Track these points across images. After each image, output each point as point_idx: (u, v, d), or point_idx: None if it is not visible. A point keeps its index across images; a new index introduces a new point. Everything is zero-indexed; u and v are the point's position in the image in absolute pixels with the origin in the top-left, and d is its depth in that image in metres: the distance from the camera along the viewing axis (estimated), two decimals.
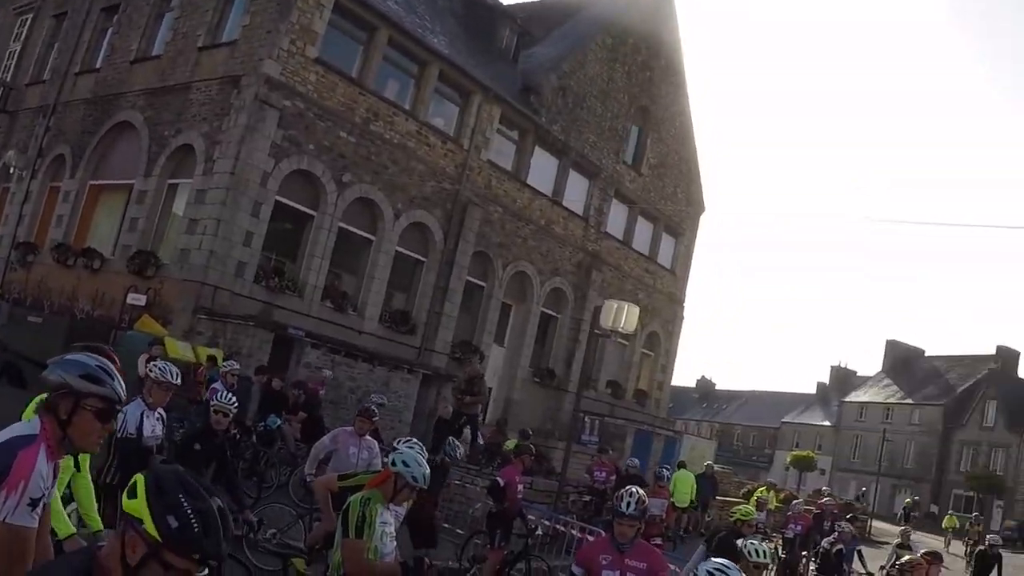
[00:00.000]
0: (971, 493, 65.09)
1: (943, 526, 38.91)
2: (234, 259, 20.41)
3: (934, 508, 54.54)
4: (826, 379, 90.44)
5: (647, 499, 6.64)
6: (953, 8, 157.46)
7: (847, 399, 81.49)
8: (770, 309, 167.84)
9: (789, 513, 20.38)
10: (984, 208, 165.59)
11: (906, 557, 10.69)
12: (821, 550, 16.05)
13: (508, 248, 27.92)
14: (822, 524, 19.90)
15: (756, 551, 7.04)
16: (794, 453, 76.66)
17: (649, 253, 34.43)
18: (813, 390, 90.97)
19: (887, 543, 26.31)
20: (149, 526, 2.48)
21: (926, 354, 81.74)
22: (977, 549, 19.82)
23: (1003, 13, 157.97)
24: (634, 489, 6.46)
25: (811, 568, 17.69)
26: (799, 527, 19.02)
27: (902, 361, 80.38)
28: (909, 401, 74.79)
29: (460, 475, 17.19)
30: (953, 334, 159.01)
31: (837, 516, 21.49)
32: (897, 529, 35.02)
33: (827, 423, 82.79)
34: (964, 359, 76.35)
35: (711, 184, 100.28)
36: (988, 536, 19.80)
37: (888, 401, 76.67)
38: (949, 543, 35.35)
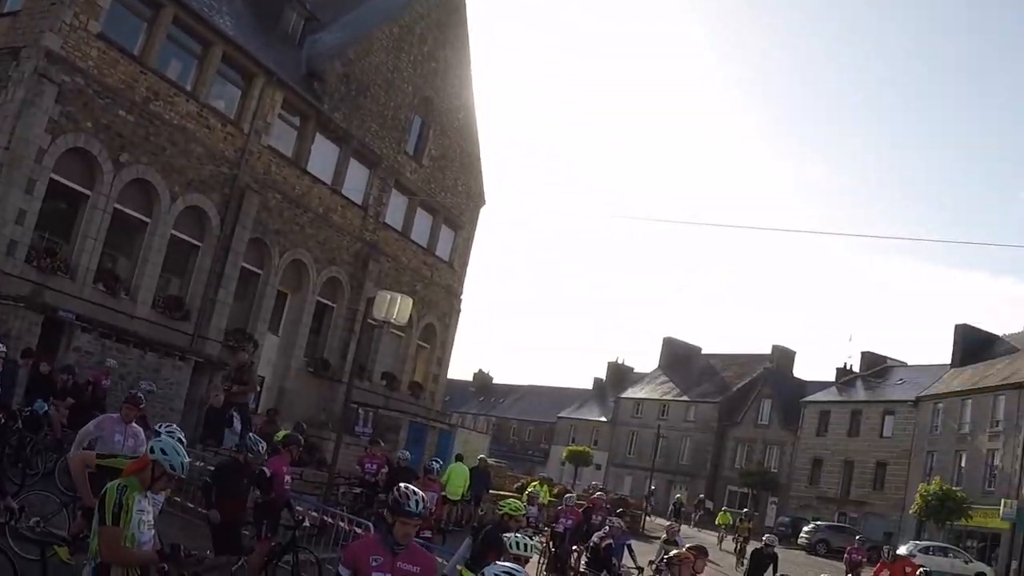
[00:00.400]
0: (745, 489, 69.43)
1: (716, 522, 40.97)
2: (5, 237, 20.85)
3: (709, 504, 58.81)
4: (603, 375, 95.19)
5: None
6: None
7: (624, 395, 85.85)
8: (549, 304, 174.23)
9: (560, 507, 21.63)
10: (766, 213, 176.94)
11: (673, 552, 11.96)
12: (591, 544, 17.19)
13: (285, 235, 29.22)
14: (591, 518, 21.06)
15: (519, 544, 7.81)
16: (570, 448, 79.70)
17: (428, 245, 36.47)
18: (590, 386, 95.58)
19: (659, 538, 28.88)
20: None
21: (702, 352, 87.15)
22: (753, 548, 20.19)
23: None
24: (414, 489, 6.47)
25: (582, 562, 18.75)
26: (570, 521, 20.24)
27: (679, 359, 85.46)
28: (685, 398, 79.52)
29: None
30: (729, 333, 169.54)
31: (608, 511, 22.58)
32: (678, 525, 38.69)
33: (603, 419, 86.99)
34: (740, 358, 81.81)
35: (494, 178, 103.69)
36: (765, 536, 19.56)
37: (664, 398, 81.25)
38: (723, 539, 37.71)
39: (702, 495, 49.47)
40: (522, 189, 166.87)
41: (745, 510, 40.05)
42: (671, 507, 43.81)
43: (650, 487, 56.59)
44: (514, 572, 5.28)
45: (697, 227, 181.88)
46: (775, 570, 19.25)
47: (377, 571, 6.22)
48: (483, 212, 39.80)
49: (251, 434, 13.19)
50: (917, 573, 18.06)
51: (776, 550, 19.56)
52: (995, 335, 62.85)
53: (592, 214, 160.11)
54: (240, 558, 11.34)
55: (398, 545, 6.33)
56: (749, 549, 24.27)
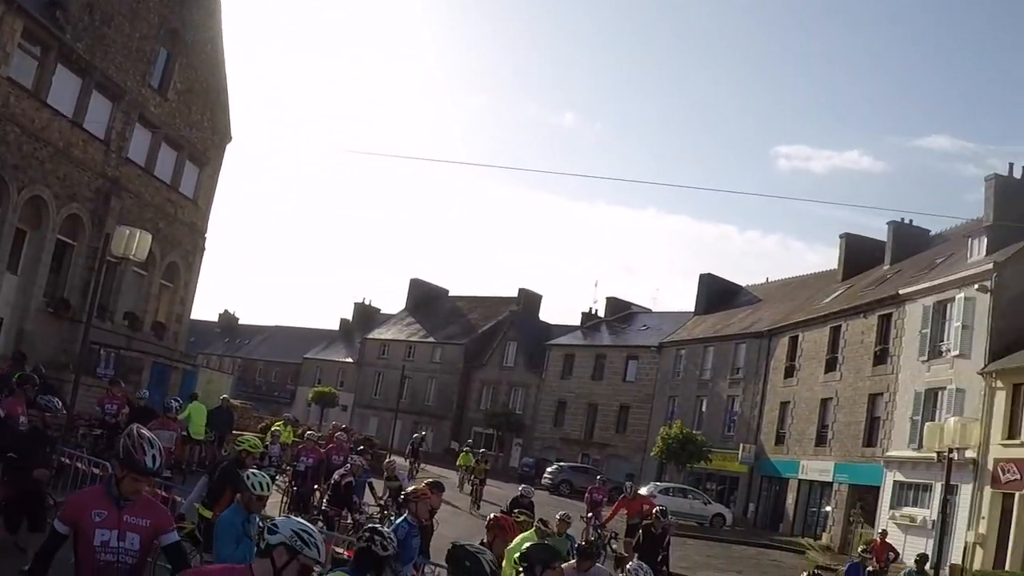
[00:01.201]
0: (491, 431, 73.08)
1: (457, 463, 41.93)
2: None
3: (455, 445, 60.93)
4: (350, 316, 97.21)
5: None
6: None
7: (370, 336, 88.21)
8: (296, 244, 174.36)
9: (301, 446, 23.01)
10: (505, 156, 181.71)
11: (411, 487, 12.98)
12: (332, 482, 18.36)
13: (24, 171, 29.34)
14: (332, 457, 22.22)
15: (258, 484, 8.29)
16: (316, 389, 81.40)
17: (171, 182, 37.30)
18: (336, 326, 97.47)
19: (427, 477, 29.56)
20: None
21: (449, 294, 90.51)
22: (644, 522, 19.41)
23: None
24: (151, 438, 6.19)
25: (323, 501, 19.62)
26: (311, 460, 21.48)
27: (425, 300, 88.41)
28: (431, 340, 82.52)
29: None
30: (477, 276, 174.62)
31: (350, 450, 23.93)
32: (407, 463, 41.04)
33: (350, 360, 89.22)
34: (486, 300, 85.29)
35: (242, 113, 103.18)
36: (521, 487, 20.96)
37: (410, 339, 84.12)
38: (464, 481, 39.12)
39: (422, 432, 50.60)
40: (271, 125, 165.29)
41: (483, 450, 41.78)
42: (409, 447, 45.23)
43: (421, 432, 58.23)
44: (311, 531, 5.28)
45: (447, 167, 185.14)
46: (668, 548, 19.02)
47: (101, 527, 5.98)
48: (229, 148, 40.95)
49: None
50: (654, 511, 19.13)
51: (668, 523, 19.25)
52: (738, 285, 68.08)
53: (326, 150, 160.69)
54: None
55: (123, 500, 6.09)
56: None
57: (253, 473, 8.84)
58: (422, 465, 43.72)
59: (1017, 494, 32.81)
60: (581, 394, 69.11)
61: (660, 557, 17.90)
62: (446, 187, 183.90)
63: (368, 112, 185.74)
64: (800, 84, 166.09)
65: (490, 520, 10.83)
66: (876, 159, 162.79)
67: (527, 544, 8.05)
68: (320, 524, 16.80)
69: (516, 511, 15.43)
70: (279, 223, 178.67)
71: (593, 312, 76.72)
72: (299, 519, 5.50)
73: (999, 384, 34.78)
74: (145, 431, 6.23)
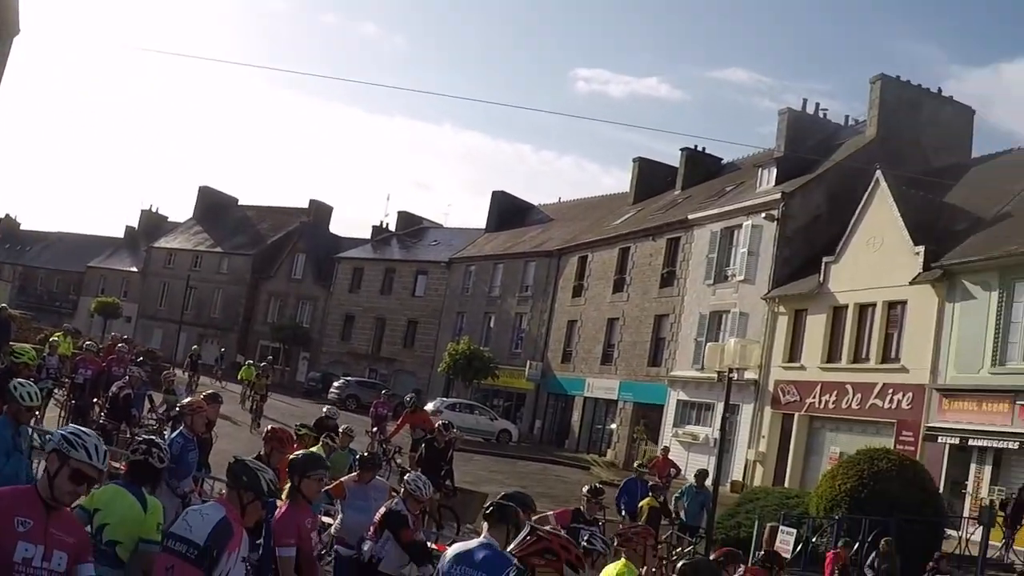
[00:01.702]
0: (277, 344, 69.98)
1: (239, 376, 39.92)
2: None
3: (241, 358, 58.74)
4: (135, 223, 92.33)
5: None
6: None
7: (156, 245, 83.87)
8: (82, 146, 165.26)
9: (79, 357, 21.82)
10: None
11: (186, 399, 12.74)
12: (110, 394, 17.56)
13: None
14: (112, 369, 21.16)
15: (26, 394, 7.84)
16: (99, 299, 77.17)
17: None
18: (121, 234, 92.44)
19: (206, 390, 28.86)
20: None
21: (239, 203, 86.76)
22: (427, 437, 18.90)
23: None
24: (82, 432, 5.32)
25: (102, 414, 18.59)
26: (89, 372, 20.45)
27: (214, 209, 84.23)
28: (219, 250, 79.00)
29: None
30: (267, 185, 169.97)
31: (130, 361, 22.70)
32: (186, 376, 38.93)
33: (134, 269, 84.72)
34: (277, 210, 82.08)
35: (33, 6, 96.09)
36: (325, 409, 19.74)
37: (197, 249, 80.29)
38: (245, 396, 36.92)
39: (195, 346, 48.13)
40: (63, 19, 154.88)
41: (263, 364, 39.71)
42: (188, 359, 42.81)
43: (222, 350, 55.70)
44: (83, 435, 5.01)
45: (242, 72, 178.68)
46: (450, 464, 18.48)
47: (25, 540, 4.73)
48: (16, 42, 37.40)
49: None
50: (437, 425, 19.01)
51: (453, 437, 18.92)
52: (531, 204, 67.59)
53: (115, 47, 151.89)
54: None
55: (55, 501, 4.92)
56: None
57: (20, 383, 8.13)
58: (201, 378, 41.61)
59: (796, 415, 33.70)
60: (369, 308, 67.37)
61: (443, 471, 17.55)
62: (240, 93, 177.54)
63: (162, 11, 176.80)
64: (600, 7, 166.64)
65: (267, 432, 10.75)
66: (674, 87, 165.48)
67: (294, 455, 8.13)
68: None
69: (299, 427, 14.47)
70: (64, 124, 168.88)
71: (384, 226, 74.89)
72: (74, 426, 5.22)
73: (781, 309, 35.41)
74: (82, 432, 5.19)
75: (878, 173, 32.19)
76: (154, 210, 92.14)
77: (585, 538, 7.40)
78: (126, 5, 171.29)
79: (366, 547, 9.73)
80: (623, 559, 8.12)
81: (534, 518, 9.08)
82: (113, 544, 6.13)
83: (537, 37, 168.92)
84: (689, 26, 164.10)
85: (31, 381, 9.17)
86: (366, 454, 12.43)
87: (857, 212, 32.69)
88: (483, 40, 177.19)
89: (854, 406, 31.34)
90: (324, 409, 20.26)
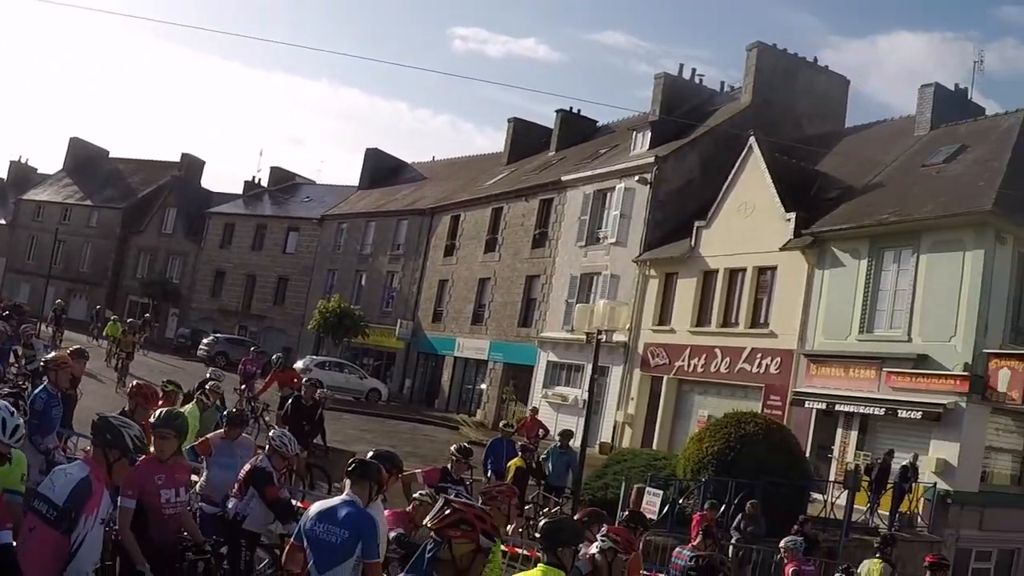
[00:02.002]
0: (147, 300, 67.53)
1: (104, 333, 38.50)
2: None
3: (110, 314, 56.41)
4: (3, 174, 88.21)
5: None
6: None
7: (24, 197, 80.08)
8: None
9: None
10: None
11: (51, 355, 11.91)
12: None
13: None
14: None
15: None
16: None
17: None
18: None
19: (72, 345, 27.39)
20: None
21: (110, 155, 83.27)
22: (294, 395, 18.78)
23: None
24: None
25: None
26: None
27: (84, 161, 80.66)
28: (88, 203, 75.68)
29: None
30: (140, 138, 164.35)
31: None
32: (51, 331, 36.64)
33: (2, 221, 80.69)
34: (148, 163, 78.89)
35: None
36: (208, 375, 17.84)
37: (67, 201, 76.81)
38: (111, 354, 34.24)
39: (99, 306, 45.98)
40: None
41: (141, 320, 37.88)
42: (52, 313, 40.44)
43: (97, 307, 52.54)
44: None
45: (117, 21, 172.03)
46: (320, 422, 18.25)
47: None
48: None
49: None
50: (303, 382, 19.37)
51: (323, 396, 18.65)
52: (404, 162, 65.86)
53: None
54: None
55: None
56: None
57: None
58: (67, 333, 39.14)
59: (665, 377, 33.33)
60: (240, 264, 65.08)
61: (313, 429, 17.58)
62: (115, 43, 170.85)
63: None
64: None
65: (132, 388, 10.67)
66: (552, 49, 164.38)
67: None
68: None
69: (165, 383, 14.01)
70: None
71: (256, 181, 72.65)
72: None
73: (652, 272, 34.89)
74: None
75: (751, 140, 31.68)
76: (23, 161, 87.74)
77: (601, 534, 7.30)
78: None
79: (231, 504, 9.48)
80: None
81: (402, 476, 10.00)
82: None
83: None
84: None
85: None
86: (234, 411, 11.86)
87: (730, 178, 32.12)
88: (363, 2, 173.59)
89: (723, 370, 30.85)
90: (208, 372, 18.84)
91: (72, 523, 5.40)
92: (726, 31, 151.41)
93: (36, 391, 10.75)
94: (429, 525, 5.16)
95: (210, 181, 79.17)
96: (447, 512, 5.05)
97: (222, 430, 10.86)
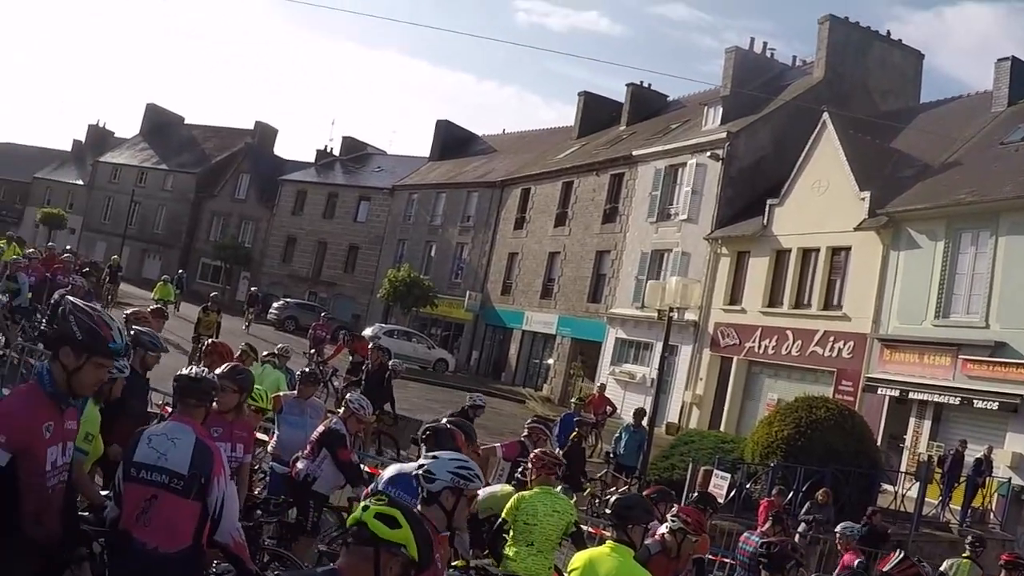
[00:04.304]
0: (219, 263, 68.96)
1: (153, 296, 33.40)
2: None
3: (181, 272, 56.82)
4: (83, 137, 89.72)
5: None
6: None
7: (102, 159, 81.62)
8: (30, 58, 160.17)
9: (23, 263, 21.36)
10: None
11: (131, 310, 12.04)
12: (52, 302, 16.48)
13: None
14: (57, 277, 21.09)
15: None
16: (44, 210, 75.74)
17: None
18: (68, 147, 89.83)
19: (130, 304, 27.38)
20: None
21: (185, 121, 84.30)
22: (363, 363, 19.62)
23: None
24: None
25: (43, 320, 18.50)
26: (32, 278, 20.24)
27: (160, 126, 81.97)
28: (164, 167, 76.85)
29: None
30: (214, 105, 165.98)
31: (74, 270, 22.85)
32: (151, 295, 36.63)
33: (80, 182, 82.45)
34: (222, 131, 79.84)
35: None
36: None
37: (143, 165, 78.18)
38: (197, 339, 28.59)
39: (115, 256, 42.85)
40: None
41: (214, 294, 31.95)
42: (107, 269, 37.63)
43: (180, 272, 50.20)
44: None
45: None
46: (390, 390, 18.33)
47: (51, 444, 4.39)
48: None
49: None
50: (370, 346, 19.84)
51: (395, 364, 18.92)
52: (474, 134, 65.71)
53: None
54: None
55: (73, 398, 4.53)
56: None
57: None
58: (120, 289, 38.97)
59: (735, 358, 32.88)
60: (311, 231, 65.69)
61: (382, 396, 17.51)
62: (189, 9, 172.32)
63: None
64: None
65: (207, 346, 10.86)
66: (614, 21, 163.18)
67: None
68: (40, 345, 14.80)
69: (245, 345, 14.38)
70: (12, 35, 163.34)
71: (328, 150, 73.17)
72: None
73: (724, 251, 34.44)
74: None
75: (825, 115, 30.95)
76: (101, 125, 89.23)
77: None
78: None
79: (301, 465, 9.45)
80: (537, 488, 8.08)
81: (481, 449, 10.16)
82: None
83: None
84: None
85: None
86: (306, 370, 12.08)
87: (803, 155, 31.45)
88: None
89: (794, 352, 30.28)
90: (277, 348, 17.98)
91: (203, 488, 5.05)
92: (789, 2, 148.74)
93: None
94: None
95: (283, 149, 79.90)
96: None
97: (295, 391, 10.96)
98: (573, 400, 22.20)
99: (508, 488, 8.85)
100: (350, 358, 23.68)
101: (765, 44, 42.21)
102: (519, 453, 11.60)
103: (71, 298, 4.77)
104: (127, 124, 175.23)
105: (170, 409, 8.73)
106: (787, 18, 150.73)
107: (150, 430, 5.39)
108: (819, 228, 29.79)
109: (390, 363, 18.32)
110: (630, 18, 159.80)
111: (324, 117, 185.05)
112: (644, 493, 10.25)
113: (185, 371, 5.87)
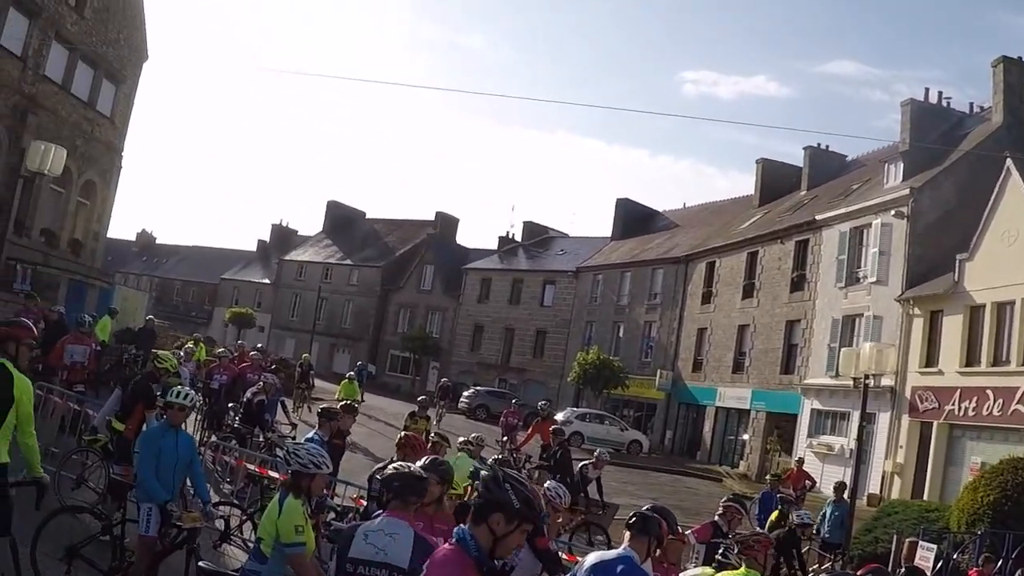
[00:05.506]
0: (407, 354, 72.23)
1: (337, 396, 31.90)
2: None
3: (372, 368, 59.56)
4: (267, 237, 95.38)
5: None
6: None
7: (287, 257, 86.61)
8: (214, 164, 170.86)
9: (214, 364, 23.11)
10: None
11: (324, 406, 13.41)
12: (244, 400, 18.30)
13: None
14: (247, 375, 21.71)
15: (178, 393, 8.55)
16: (233, 309, 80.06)
17: (88, 100, 35.65)
18: (254, 247, 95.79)
19: (321, 400, 28.83)
20: None
21: (367, 216, 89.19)
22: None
23: None
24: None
25: (236, 419, 19.09)
26: (224, 378, 21.51)
27: (342, 222, 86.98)
28: (348, 262, 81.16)
29: None
30: (394, 199, 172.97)
31: (263, 368, 23.23)
32: (335, 388, 38.95)
33: (267, 281, 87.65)
34: (404, 223, 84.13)
35: (159, 32, 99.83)
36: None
37: (328, 261, 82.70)
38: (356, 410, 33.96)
39: (305, 355, 44.07)
40: (189, 45, 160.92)
41: (422, 398, 31.93)
42: (298, 368, 37.96)
43: (368, 366, 53.10)
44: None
45: (366, 88, 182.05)
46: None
47: None
48: (146, 67, 39.52)
49: None
50: (550, 429, 20.48)
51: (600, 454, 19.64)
52: (654, 210, 67.65)
53: (242, 68, 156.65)
54: None
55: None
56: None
57: (178, 388, 8.97)
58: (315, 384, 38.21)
59: (935, 423, 32.44)
60: (498, 318, 68.30)
61: (576, 481, 18.06)
62: (365, 109, 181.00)
63: (291, 32, 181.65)
64: (701, 7, 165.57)
65: (400, 439, 10.54)
66: (782, 84, 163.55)
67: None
68: (232, 442, 17.07)
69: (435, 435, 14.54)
70: (198, 143, 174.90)
71: (510, 236, 75.92)
72: None
73: (916, 311, 34.44)
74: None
75: (1008, 162, 30.99)
76: (285, 224, 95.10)
77: None
78: (243, 26, 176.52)
79: None
80: (743, 567, 8.31)
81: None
82: (259, 540, 6.76)
83: (639, 43, 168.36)
84: (791, 22, 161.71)
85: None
86: (498, 457, 12.96)
87: (989, 205, 31.52)
88: (586, 50, 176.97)
89: (995, 412, 29.98)
90: (472, 436, 19.95)
91: None
92: (952, 46, 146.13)
93: (309, 434, 12.34)
94: None
95: (465, 238, 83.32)
96: None
97: None
98: (768, 476, 22.49)
99: (708, 571, 8.83)
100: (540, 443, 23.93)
101: (940, 93, 41.72)
102: (712, 535, 11.87)
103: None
104: (310, 222, 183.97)
105: (364, 503, 10.16)
106: (956, 64, 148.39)
107: (365, 526, 5.72)
108: (1012, 280, 29.75)
109: (595, 452, 19.17)
110: (798, 79, 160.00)
111: (504, 203, 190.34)
112: (858, 573, 10.67)
113: (395, 467, 6.27)
